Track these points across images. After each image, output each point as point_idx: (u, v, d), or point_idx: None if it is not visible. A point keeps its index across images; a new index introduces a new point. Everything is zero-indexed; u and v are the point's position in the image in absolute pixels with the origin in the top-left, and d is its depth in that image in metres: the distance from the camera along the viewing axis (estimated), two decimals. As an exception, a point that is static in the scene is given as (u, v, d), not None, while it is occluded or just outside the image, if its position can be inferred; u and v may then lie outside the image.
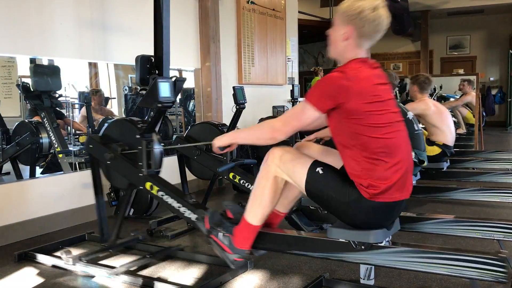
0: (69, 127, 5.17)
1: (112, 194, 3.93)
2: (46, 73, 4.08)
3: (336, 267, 2.75)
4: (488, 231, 2.42)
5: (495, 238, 2.43)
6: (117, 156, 2.83)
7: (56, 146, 4.26)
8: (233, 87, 3.79)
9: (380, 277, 2.57)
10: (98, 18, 4.13)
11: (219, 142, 2.13)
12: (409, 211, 2.54)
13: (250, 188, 3.40)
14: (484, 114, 10.42)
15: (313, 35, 12.88)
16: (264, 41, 6.48)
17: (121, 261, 2.95)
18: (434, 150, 4.25)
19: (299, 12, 7.78)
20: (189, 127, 4.06)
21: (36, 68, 4.09)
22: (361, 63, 1.92)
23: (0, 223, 3.39)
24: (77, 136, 5.16)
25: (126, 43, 4.35)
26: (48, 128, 4.20)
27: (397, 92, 7.83)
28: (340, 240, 1.99)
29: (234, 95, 3.75)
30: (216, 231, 2.18)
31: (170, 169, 4.60)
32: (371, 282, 2.40)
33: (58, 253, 2.93)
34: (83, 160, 4.41)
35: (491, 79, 13.49)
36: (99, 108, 5.77)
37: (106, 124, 3.06)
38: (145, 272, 2.80)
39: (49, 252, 3.12)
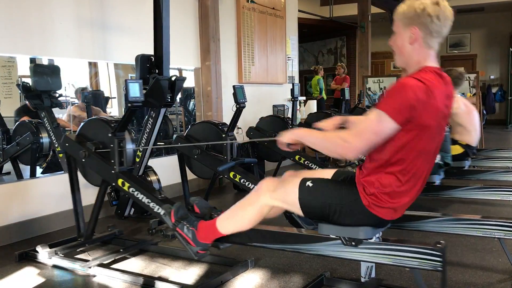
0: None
1: (112, 194, 3.93)
2: (46, 73, 4.06)
3: (337, 266, 2.75)
4: (489, 229, 2.43)
5: (496, 236, 2.43)
6: (91, 154, 2.95)
7: (56, 145, 4.25)
8: (233, 86, 3.80)
9: (381, 276, 2.57)
10: (98, 17, 4.13)
11: (286, 138, 1.98)
12: (409, 210, 2.54)
13: (251, 187, 3.40)
14: (484, 112, 10.43)
15: (313, 33, 12.88)
16: (264, 40, 6.48)
17: (96, 255, 3.05)
18: (457, 150, 4.18)
19: (299, 11, 7.77)
20: (189, 127, 4.06)
21: (36, 68, 4.08)
22: (436, 75, 1.79)
23: (1, 222, 3.40)
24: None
25: (126, 43, 4.35)
26: (49, 128, 4.20)
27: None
28: (331, 236, 2.01)
29: (234, 94, 3.75)
30: (182, 224, 2.26)
31: (170, 168, 4.61)
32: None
33: (36, 247, 3.01)
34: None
35: (492, 77, 13.49)
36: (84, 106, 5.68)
37: (81, 124, 3.16)
38: (117, 265, 2.85)
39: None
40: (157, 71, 3.08)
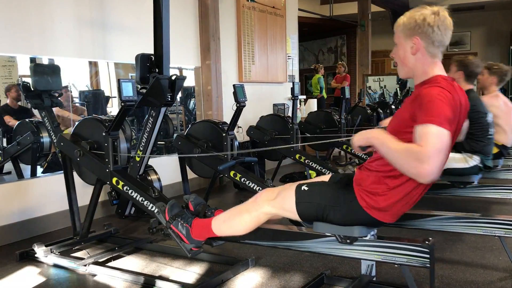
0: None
1: (113, 193, 3.92)
2: (46, 73, 4.06)
3: (337, 264, 2.75)
4: (489, 227, 2.43)
5: (496, 234, 2.43)
6: (85, 153, 2.98)
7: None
8: (234, 85, 3.79)
9: (381, 274, 2.57)
10: (97, 17, 4.13)
11: (359, 141, 1.87)
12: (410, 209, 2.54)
13: (251, 186, 3.41)
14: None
15: (313, 32, 12.87)
16: (264, 38, 6.48)
17: (92, 253, 3.07)
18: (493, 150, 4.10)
19: (299, 9, 7.76)
20: (189, 126, 4.06)
21: (36, 67, 4.07)
22: (450, 82, 1.79)
23: (1, 222, 3.40)
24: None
25: (126, 42, 4.35)
26: (49, 128, 4.20)
27: (398, 89, 7.83)
28: (326, 234, 2.03)
29: (235, 93, 3.75)
30: (176, 221, 2.29)
31: (171, 167, 4.61)
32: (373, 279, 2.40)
33: (33, 246, 3.03)
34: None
35: (492, 75, 13.46)
36: (69, 106, 5.61)
37: (76, 123, 3.20)
38: (113, 263, 2.90)
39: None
40: (157, 70, 3.08)
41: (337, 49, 13.56)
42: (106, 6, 4.20)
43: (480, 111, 3.45)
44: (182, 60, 5.20)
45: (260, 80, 6.39)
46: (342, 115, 5.40)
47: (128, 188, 2.82)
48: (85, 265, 2.80)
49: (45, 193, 3.73)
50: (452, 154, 3.48)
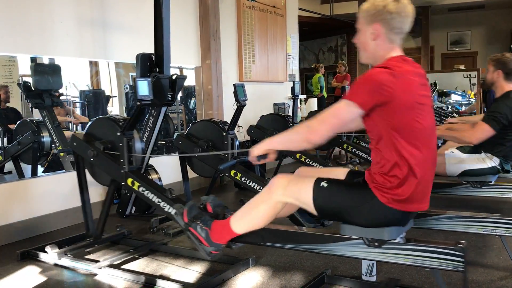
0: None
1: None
2: (46, 72, 4.07)
3: (338, 264, 2.75)
4: (490, 227, 2.43)
5: (497, 233, 2.43)
6: (99, 153, 2.90)
7: (57, 144, 4.26)
8: (234, 85, 3.79)
9: (382, 273, 2.57)
10: (98, 16, 4.13)
11: (257, 151, 2.01)
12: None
13: (252, 185, 3.41)
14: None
15: (313, 31, 12.86)
16: (265, 38, 6.48)
17: (106, 255, 3.03)
18: None
19: (300, 9, 7.76)
20: (190, 125, 4.06)
21: (37, 67, 4.09)
22: (402, 60, 1.85)
23: (2, 221, 3.40)
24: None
25: (127, 41, 4.35)
26: (50, 127, 4.20)
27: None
28: (353, 237, 1.97)
29: (235, 93, 3.74)
30: (195, 223, 2.22)
31: (171, 167, 4.61)
32: (373, 278, 2.40)
33: (45, 248, 2.99)
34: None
35: (492, 74, 13.45)
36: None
37: (89, 122, 3.14)
38: (127, 266, 2.85)
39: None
40: (157, 69, 3.08)
41: (338, 48, 13.57)
42: (106, 5, 4.20)
43: None
44: (183, 59, 5.20)
45: (261, 80, 6.39)
46: None
47: (144, 189, 2.74)
48: (100, 268, 2.74)
49: (45, 193, 3.73)
50: (468, 155, 3.49)
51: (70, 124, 5.47)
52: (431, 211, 2.54)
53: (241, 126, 4.97)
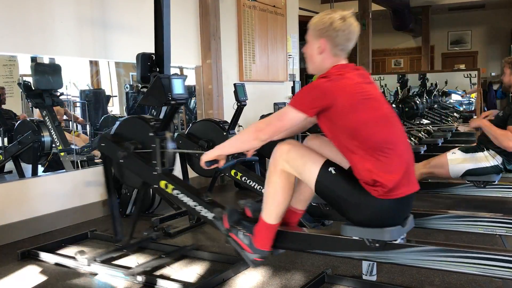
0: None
1: (114, 192, 3.93)
2: (47, 72, 4.07)
3: (338, 263, 2.75)
4: (491, 226, 2.43)
5: (498, 233, 2.43)
6: (130, 154, 2.75)
7: (57, 144, 4.26)
8: (234, 84, 3.79)
9: (383, 273, 2.57)
10: (98, 16, 4.13)
11: (206, 157, 2.15)
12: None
13: (252, 185, 3.41)
14: (485, 109, 10.39)
15: (313, 31, 12.85)
16: (265, 38, 6.47)
17: (135, 261, 2.92)
18: None
19: (300, 8, 7.76)
20: (190, 125, 4.06)
21: (37, 66, 4.09)
22: (342, 66, 1.98)
23: (2, 221, 3.40)
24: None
25: (127, 41, 4.35)
26: (50, 127, 4.20)
27: (398, 88, 7.83)
28: (354, 238, 1.97)
29: (235, 92, 3.74)
30: (236, 229, 2.14)
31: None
32: (373, 278, 2.41)
33: (66, 252, 2.90)
34: (84, 158, 4.42)
35: (493, 74, 13.46)
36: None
37: (118, 122, 2.99)
38: (158, 272, 2.79)
39: (52, 250, 3.13)
40: (158, 69, 3.08)
41: (338, 48, 13.55)
42: (107, 5, 4.20)
43: None
44: (183, 59, 5.20)
45: (261, 79, 6.38)
46: None
47: (178, 192, 2.57)
48: (133, 275, 2.62)
49: (46, 193, 3.73)
50: (471, 155, 3.48)
51: (70, 123, 5.47)
52: (432, 211, 2.54)
53: (241, 126, 4.97)
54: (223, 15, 5.55)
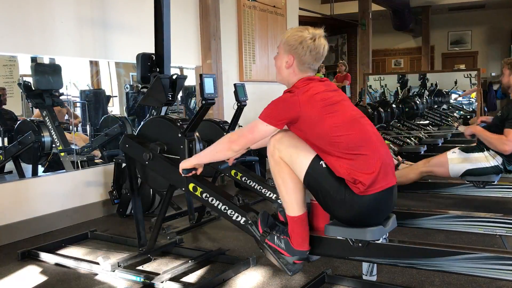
0: None
1: (114, 192, 3.93)
2: (47, 72, 4.07)
3: (338, 264, 2.75)
4: (491, 226, 2.43)
5: (498, 233, 2.43)
6: (156, 156, 2.64)
7: (58, 144, 4.26)
8: (234, 85, 3.79)
9: (383, 273, 2.57)
10: (98, 16, 4.13)
11: (184, 165, 2.30)
12: (410, 207, 2.55)
13: (252, 185, 3.41)
14: (485, 109, 10.41)
15: (314, 31, 12.85)
16: (265, 38, 6.47)
17: (160, 266, 2.85)
18: None
19: (300, 8, 7.76)
20: (190, 125, 4.06)
21: (37, 66, 4.09)
22: (307, 80, 2.06)
23: (3, 221, 3.40)
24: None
25: (127, 41, 4.35)
26: (50, 127, 4.20)
27: (398, 88, 7.83)
28: (338, 238, 2.00)
29: (235, 93, 3.75)
30: (272, 235, 2.11)
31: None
32: (374, 278, 2.41)
33: (96, 259, 2.81)
34: (84, 158, 4.42)
35: (493, 74, 13.47)
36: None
37: (142, 123, 2.92)
38: (185, 277, 2.68)
39: (52, 250, 3.13)
40: (158, 69, 3.08)
41: (338, 48, 13.57)
42: (107, 5, 4.20)
43: None
44: (183, 59, 5.20)
45: (261, 79, 6.38)
46: None
47: (208, 196, 2.44)
48: (162, 282, 2.52)
49: (46, 193, 3.73)
50: (471, 154, 3.49)
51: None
52: (432, 211, 2.54)
53: (241, 126, 4.98)
54: (223, 16, 5.55)
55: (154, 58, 3.08)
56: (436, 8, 12.25)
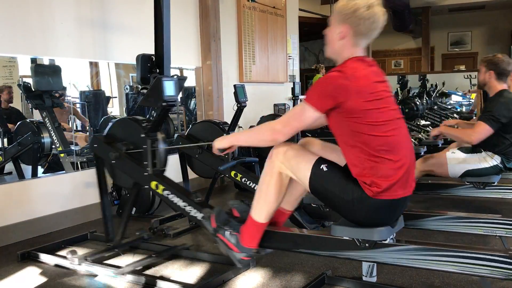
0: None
1: (114, 193, 3.93)
2: (47, 73, 4.07)
3: (338, 265, 2.75)
4: (491, 227, 2.42)
5: (498, 234, 2.43)
6: (122, 155, 2.81)
7: (57, 145, 4.26)
8: (234, 85, 3.79)
9: (383, 274, 2.57)
10: (98, 17, 4.13)
11: (219, 144, 2.14)
12: (411, 208, 2.54)
13: (252, 186, 3.41)
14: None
15: (314, 32, 12.83)
16: (265, 39, 6.47)
17: (126, 260, 2.94)
18: None
19: (300, 9, 7.76)
20: (190, 126, 4.06)
21: (37, 67, 4.09)
22: (358, 61, 1.92)
23: (2, 222, 3.40)
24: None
25: (127, 42, 4.35)
26: (50, 128, 4.20)
27: (398, 89, 7.83)
28: (344, 238, 1.99)
29: (235, 93, 3.74)
30: (223, 229, 2.17)
31: (171, 167, 4.61)
32: (374, 279, 2.40)
33: (63, 253, 2.92)
34: (84, 159, 4.42)
35: (493, 75, 13.45)
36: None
37: (110, 123, 3.03)
38: (149, 271, 2.80)
39: (51, 251, 3.12)
40: (158, 70, 3.08)
41: (338, 49, 13.55)
42: (106, 6, 4.20)
43: None
44: (183, 60, 5.20)
45: (261, 80, 6.38)
46: None
47: (169, 193, 2.64)
48: (123, 274, 2.66)
49: (46, 194, 3.73)
50: (470, 155, 3.50)
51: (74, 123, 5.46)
52: (433, 212, 2.54)
53: (241, 127, 4.97)
54: (223, 16, 5.55)
55: (154, 59, 3.08)
56: (436, 9, 12.25)
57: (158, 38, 3.08)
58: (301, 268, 2.76)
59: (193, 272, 2.77)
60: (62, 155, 4.26)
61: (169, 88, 2.65)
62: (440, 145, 5.55)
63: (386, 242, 1.94)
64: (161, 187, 2.67)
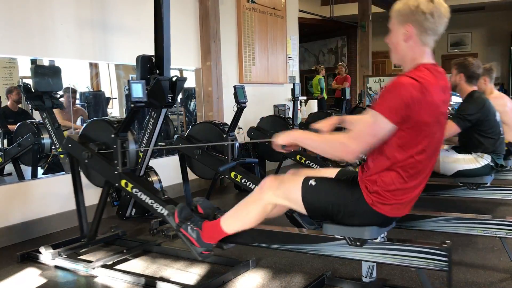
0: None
1: (114, 194, 3.93)
2: (47, 74, 4.07)
3: (338, 266, 2.75)
4: (490, 228, 2.43)
5: (497, 235, 2.43)
6: (94, 155, 2.95)
7: (57, 146, 4.26)
8: (234, 86, 3.79)
9: (383, 275, 2.57)
10: (98, 18, 4.14)
11: (282, 139, 1.98)
12: (411, 209, 2.54)
13: (252, 187, 3.41)
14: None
15: (314, 33, 12.86)
16: (265, 40, 6.48)
17: (99, 256, 3.04)
18: None
19: (300, 10, 7.77)
20: (190, 127, 4.06)
21: (37, 69, 4.09)
22: (431, 72, 1.78)
23: (2, 223, 3.40)
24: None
25: (127, 43, 4.35)
26: (50, 129, 4.20)
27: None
28: (336, 236, 2.01)
29: (235, 94, 3.74)
30: (186, 224, 2.25)
31: (172, 168, 4.61)
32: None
33: (39, 248, 3.01)
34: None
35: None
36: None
37: (84, 124, 3.18)
38: (120, 266, 2.86)
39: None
40: (157, 71, 3.08)
41: (338, 50, 13.56)
42: (106, 7, 4.20)
43: (488, 110, 3.45)
44: (183, 61, 5.21)
45: (261, 81, 6.39)
46: (342, 116, 5.39)
47: (137, 190, 2.80)
48: (93, 268, 2.76)
49: (46, 195, 3.73)
50: (461, 156, 3.50)
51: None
52: (433, 213, 2.54)
53: (241, 128, 4.97)
54: (223, 18, 5.56)
55: (154, 60, 3.08)
56: (436, 10, 12.26)
57: (158, 39, 3.08)
58: (301, 269, 2.76)
59: (193, 273, 2.77)
60: (62, 156, 4.25)
61: (136, 91, 2.71)
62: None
63: (377, 240, 1.96)
64: (130, 185, 2.82)
